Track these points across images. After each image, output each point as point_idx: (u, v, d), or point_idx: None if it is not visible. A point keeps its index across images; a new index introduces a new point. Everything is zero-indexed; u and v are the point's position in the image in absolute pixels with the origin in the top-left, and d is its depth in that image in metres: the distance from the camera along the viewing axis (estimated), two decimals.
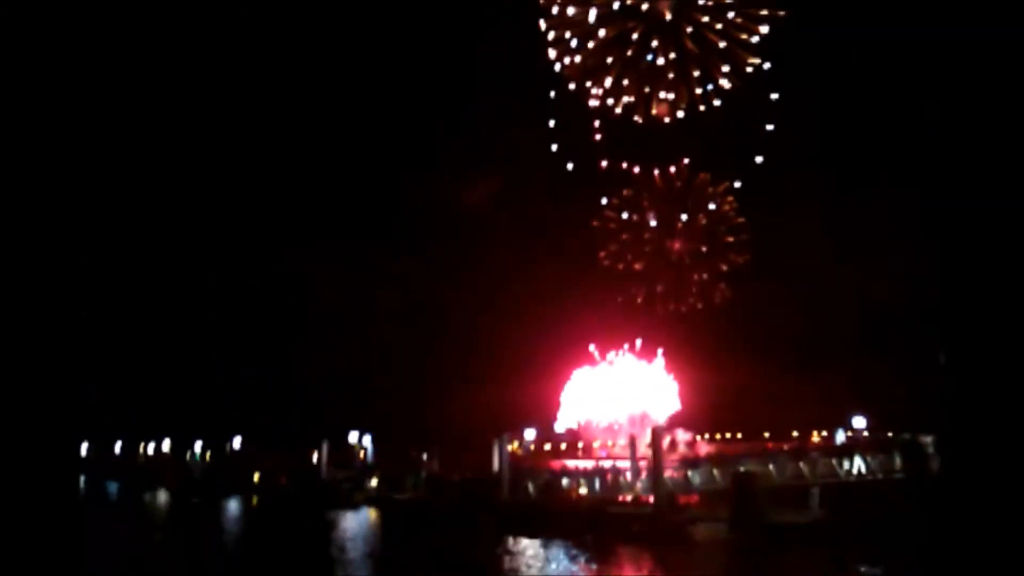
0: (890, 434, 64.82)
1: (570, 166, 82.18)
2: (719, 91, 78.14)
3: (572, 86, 79.60)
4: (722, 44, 77.05)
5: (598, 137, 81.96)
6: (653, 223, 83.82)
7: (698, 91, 78.48)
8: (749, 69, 76.81)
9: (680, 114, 79.54)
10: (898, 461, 51.50)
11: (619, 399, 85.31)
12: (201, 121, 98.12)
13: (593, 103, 79.85)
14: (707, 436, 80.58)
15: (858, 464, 52.68)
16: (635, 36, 77.44)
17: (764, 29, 76.07)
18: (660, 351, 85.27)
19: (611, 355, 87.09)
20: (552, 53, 78.64)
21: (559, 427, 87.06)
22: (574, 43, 78.29)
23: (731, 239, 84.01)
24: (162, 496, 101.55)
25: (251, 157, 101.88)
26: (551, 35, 78.45)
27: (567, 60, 78.80)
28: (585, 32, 77.76)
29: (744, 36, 76.65)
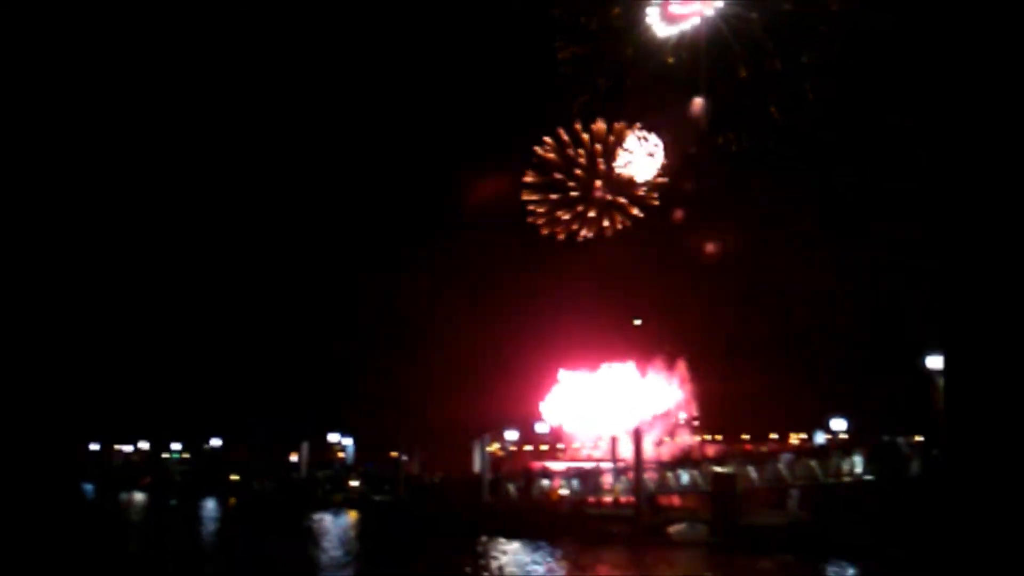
0: (868, 437, 65.11)
1: None
2: None
3: None
4: None
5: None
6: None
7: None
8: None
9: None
10: (875, 464, 51.61)
11: (601, 400, 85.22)
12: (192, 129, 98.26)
13: None
14: (688, 438, 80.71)
15: (836, 466, 52.83)
16: None
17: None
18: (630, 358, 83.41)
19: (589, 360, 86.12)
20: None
21: (541, 428, 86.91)
22: None
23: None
24: (138, 497, 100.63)
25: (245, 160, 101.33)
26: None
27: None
28: None
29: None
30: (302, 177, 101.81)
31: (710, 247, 77.43)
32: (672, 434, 78.07)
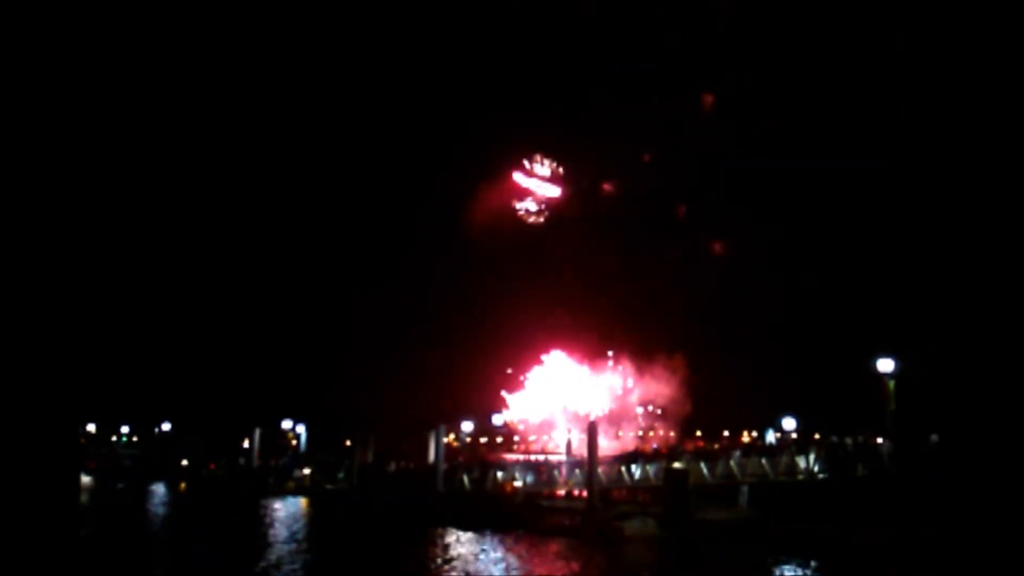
0: (817, 436, 66.21)
1: None
2: None
3: None
4: None
5: None
6: None
7: None
8: None
9: None
10: (823, 462, 52.46)
11: (559, 394, 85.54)
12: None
13: None
14: (643, 433, 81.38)
15: (786, 464, 53.61)
16: None
17: None
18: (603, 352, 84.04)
19: (553, 353, 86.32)
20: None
21: (497, 419, 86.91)
22: None
23: None
24: (85, 480, 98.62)
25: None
26: None
27: None
28: None
29: None
30: (263, 170, 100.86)
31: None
32: (631, 429, 78.74)
